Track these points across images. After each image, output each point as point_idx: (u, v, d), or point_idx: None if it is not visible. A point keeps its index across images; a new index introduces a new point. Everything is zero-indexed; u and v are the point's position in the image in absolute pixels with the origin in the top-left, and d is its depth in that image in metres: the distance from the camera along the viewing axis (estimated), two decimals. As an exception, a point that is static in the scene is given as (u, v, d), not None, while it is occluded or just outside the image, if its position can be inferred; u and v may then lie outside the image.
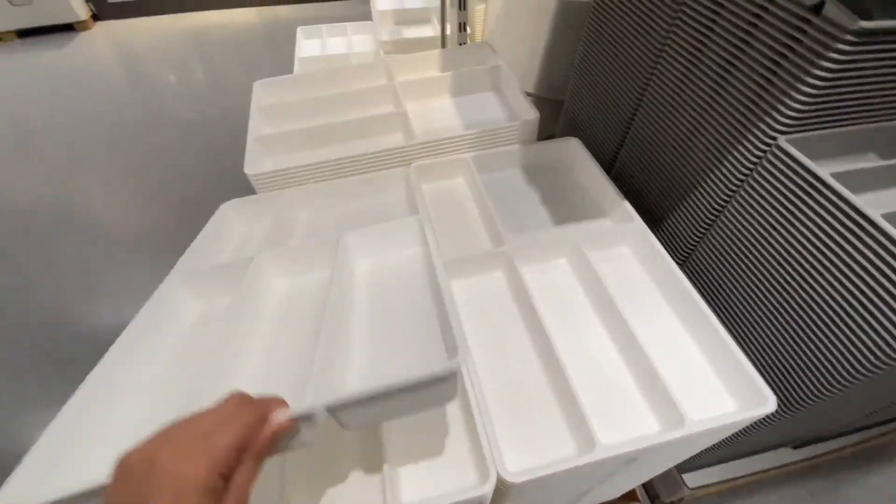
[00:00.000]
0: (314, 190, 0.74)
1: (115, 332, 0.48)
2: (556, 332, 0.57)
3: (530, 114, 0.80)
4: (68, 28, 2.77)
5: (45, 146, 1.97)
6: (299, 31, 1.76)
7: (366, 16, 1.93)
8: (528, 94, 1.27)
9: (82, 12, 2.71)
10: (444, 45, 1.08)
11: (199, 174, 1.82)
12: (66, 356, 1.22)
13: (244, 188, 0.74)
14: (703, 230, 0.72)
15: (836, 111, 0.57)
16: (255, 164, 0.74)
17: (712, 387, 0.55)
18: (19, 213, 1.66)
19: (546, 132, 1.41)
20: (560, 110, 1.11)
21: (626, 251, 0.69)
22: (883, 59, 0.51)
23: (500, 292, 0.63)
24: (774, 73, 0.55)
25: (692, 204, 0.73)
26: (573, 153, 0.81)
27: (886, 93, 0.56)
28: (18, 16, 2.61)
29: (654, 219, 0.83)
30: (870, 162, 0.62)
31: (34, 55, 2.60)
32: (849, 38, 0.47)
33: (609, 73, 0.86)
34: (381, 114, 0.82)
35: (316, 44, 1.77)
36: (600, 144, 0.96)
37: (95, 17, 2.83)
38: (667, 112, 0.74)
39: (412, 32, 1.52)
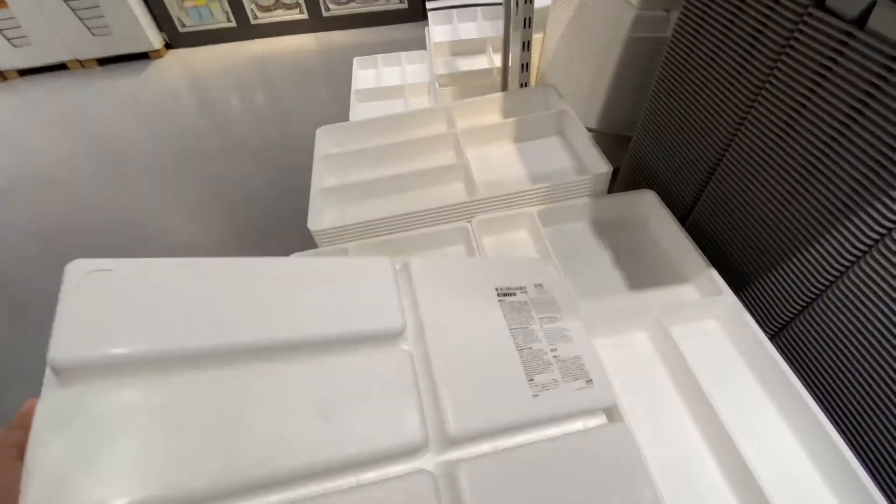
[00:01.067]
0: (375, 247, 0.72)
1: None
2: (636, 419, 0.52)
3: (602, 167, 0.75)
4: (143, 56, 2.97)
5: (125, 167, 2.11)
6: (355, 62, 1.80)
7: (420, 41, 1.94)
8: (590, 130, 1.22)
9: (156, 41, 2.90)
10: (504, 87, 1.06)
11: (266, 198, 1.87)
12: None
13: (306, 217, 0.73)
14: (802, 305, 0.64)
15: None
16: (317, 218, 0.74)
17: (816, 491, 0.48)
18: (100, 230, 1.76)
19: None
20: (626, 145, 1.05)
21: (715, 325, 0.62)
22: None
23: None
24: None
25: (789, 274, 0.65)
26: (649, 208, 0.75)
27: None
28: (99, 45, 2.84)
29: (738, 280, 0.75)
30: None
31: (113, 82, 2.81)
32: None
33: (687, 117, 0.80)
34: (443, 165, 0.80)
35: (371, 74, 1.79)
36: (674, 191, 0.89)
37: (168, 46, 3.03)
38: (758, 172, 0.67)
39: (467, 64, 1.51)
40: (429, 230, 0.73)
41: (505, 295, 0.51)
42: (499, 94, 0.95)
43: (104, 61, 2.92)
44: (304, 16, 2.96)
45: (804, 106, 0.58)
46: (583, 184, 0.74)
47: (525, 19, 0.90)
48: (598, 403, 0.46)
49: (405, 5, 2.98)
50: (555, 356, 0.47)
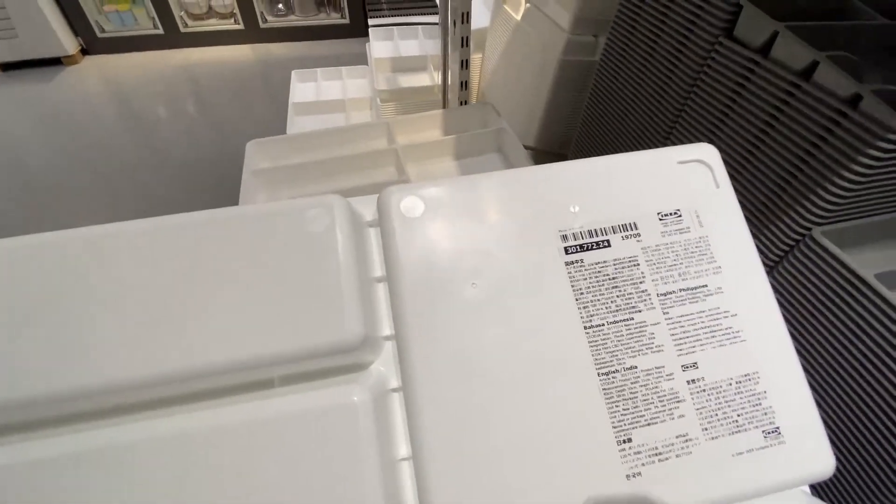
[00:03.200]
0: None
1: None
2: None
3: (540, 183, 0.76)
4: (56, 62, 2.72)
5: (35, 183, 1.90)
6: (294, 74, 1.75)
7: (361, 56, 1.93)
8: (529, 148, 1.25)
9: (71, 46, 2.67)
10: (445, 104, 1.06)
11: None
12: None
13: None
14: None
15: (873, 201, 0.54)
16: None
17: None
18: None
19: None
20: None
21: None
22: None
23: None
24: (806, 161, 0.52)
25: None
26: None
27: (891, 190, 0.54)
28: (2, 49, 2.57)
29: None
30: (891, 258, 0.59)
31: (20, 89, 2.55)
32: (891, 136, 0.45)
33: (617, 137, 0.84)
34: (383, 181, 0.78)
35: (310, 87, 1.75)
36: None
37: (85, 52, 2.80)
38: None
39: (408, 81, 1.51)
40: None
41: (582, 248, 0.27)
42: (439, 111, 0.95)
43: (9, 67, 2.64)
44: (240, 26, 2.85)
45: (720, 125, 0.62)
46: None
47: (462, 38, 0.91)
48: (794, 476, 0.23)
49: (346, 20, 2.95)
50: (693, 381, 0.23)
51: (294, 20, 2.93)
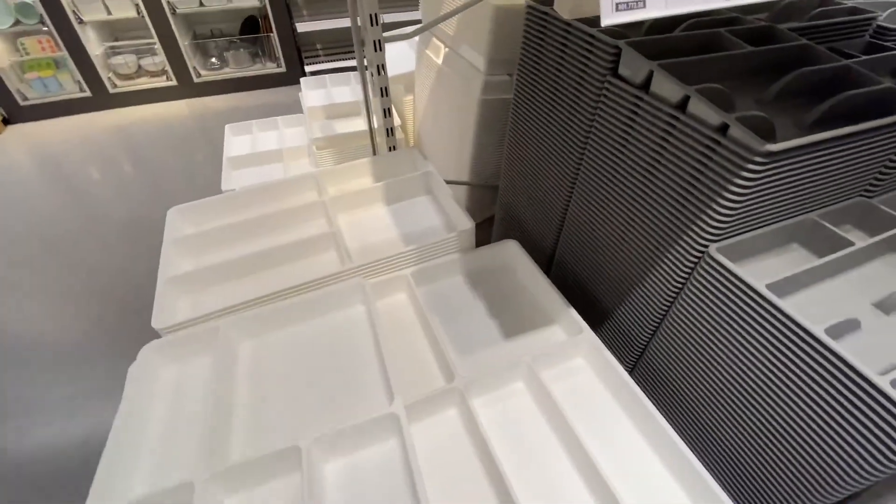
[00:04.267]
0: (253, 320, 0.67)
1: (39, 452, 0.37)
2: (516, 471, 0.52)
3: (466, 223, 0.78)
4: (-26, 134, 2.59)
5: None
6: (227, 129, 1.73)
7: (299, 103, 1.94)
8: (465, 182, 1.29)
9: (-9, 117, 2.55)
10: (374, 151, 1.08)
11: (136, 277, 1.70)
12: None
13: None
14: (651, 329, 0.71)
15: (760, 215, 0.58)
16: (166, 313, 0.66)
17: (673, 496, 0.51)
18: None
19: (484, 215, 1.42)
20: (496, 194, 1.12)
21: (581, 363, 0.66)
22: (792, 169, 0.54)
23: (456, 433, 0.58)
24: (693, 185, 0.56)
25: (637, 301, 0.72)
26: (513, 256, 0.79)
27: (800, 194, 0.59)
28: (-86, 126, 2.42)
29: (602, 311, 0.81)
30: (796, 256, 0.63)
31: (-66, 166, 2.40)
32: (758, 159, 0.49)
33: (535, 166, 0.87)
34: (313, 235, 0.78)
35: (246, 140, 1.73)
36: (538, 233, 0.96)
37: (6, 122, 2.67)
38: (598, 209, 0.75)
39: (343, 127, 1.53)
40: (320, 293, 0.70)
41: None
42: (367, 159, 0.96)
43: (-82, 143, 2.49)
44: (173, 83, 2.82)
45: (620, 152, 0.67)
46: (450, 242, 0.76)
47: (381, 88, 0.93)
48: None
49: (283, 69, 2.98)
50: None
51: (229, 72, 2.93)
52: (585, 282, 0.85)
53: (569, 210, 0.83)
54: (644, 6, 0.27)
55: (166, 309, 0.66)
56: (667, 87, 0.57)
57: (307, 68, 3.02)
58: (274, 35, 2.83)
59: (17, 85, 2.60)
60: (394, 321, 0.71)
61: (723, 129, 0.52)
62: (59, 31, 2.47)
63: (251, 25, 2.95)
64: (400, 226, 0.85)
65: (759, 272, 0.60)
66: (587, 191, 0.76)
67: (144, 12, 2.56)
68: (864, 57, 0.79)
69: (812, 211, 0.63)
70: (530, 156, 0.89)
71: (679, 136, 0.57)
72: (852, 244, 0.58)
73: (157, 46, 2.69)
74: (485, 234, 1.37)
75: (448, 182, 1.29)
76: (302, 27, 2.82)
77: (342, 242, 0.77)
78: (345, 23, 2.82)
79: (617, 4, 0.26)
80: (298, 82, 3.04)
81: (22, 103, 2.64)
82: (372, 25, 0.83)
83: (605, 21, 0.27)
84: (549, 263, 0.96)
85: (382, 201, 0.90)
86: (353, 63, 2.05)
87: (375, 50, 0.88)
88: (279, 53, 2.92)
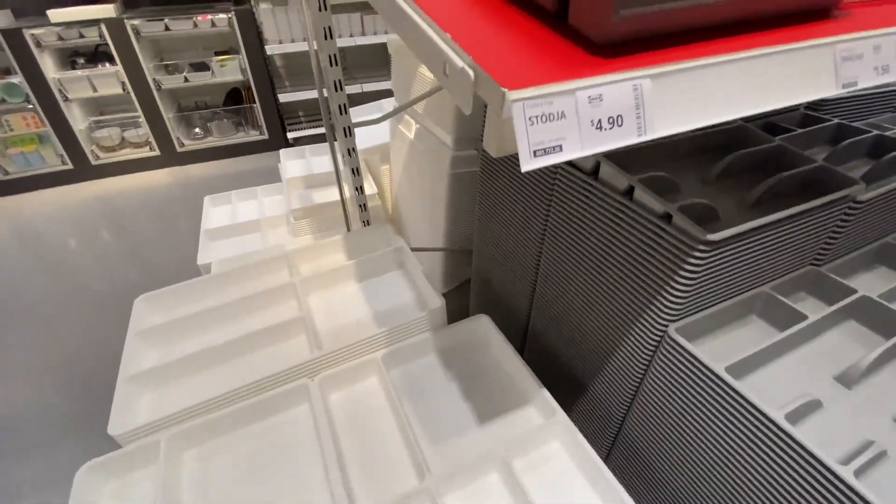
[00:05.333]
0: (201, 429, 0.64)
1: None
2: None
3: (436, 301, 0.79)
4: (-49, 210, 2.57)
5: None
6: (206, 200, 1.75)
7: (280, 170, 1.98)
8: (440, 249, 1.31)
9: (-31, 193, 2.55)
10: (348, 227, 1.10)
11: (112, 352, 1.66)
12: None
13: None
14: (626, 403, 0.71)
15: (717, 292, 0.60)
16: (125, 416, 0.64)
17: None
18: None
19: (463, 276, 1.43)
20: (471, 257, 1.13)
21: (556, 447, 0.65)
22: (738, 251, 0.56)
23: (428, 535, 0.55)
24: (646, 268, 0.58)
25: (609, 376, 0.72)
26: (485, 332, 0.80)
27: (751, 270, 0.61)
28: None
29: (578, 384, 0.81)
30: (756, 328, 0.65)
31: None
32: (701, 247, 0.51)
33: (505, 237, 0.89)
34: (283, 321, 0.77)
35: (226, 210, 1.75)
36: (512, 302, 0.97)
37: (-15, 196, 2.67)
38: (563, 284, 0.76)
39: (322, 196, 1.56)
40: (268, 396, 0.68)
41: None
42: (339, 237, 0.98)
43: None
44: (156, 153, 2.87)
45: (577, 233, 0.69)
46: (420, 322, 0.76)
47: (353, 169, 0.97)
48: None
49: (265, 136, 3.07)
50: None
51: (212, 141, 3.00)
52: (560, 353, 0.85)
53: (537, 282, 0.85)
54: (561, 150, 0.29)
55: (125, 412, 0.64)
56: (613, 176, 0.61)
57: (289, 135, 3.11)
58: (257, 105, 2.94)
59: (-2, 161, 2.62)
60: (364, 410, 0.70)
61: (667, 217, 0.55)
62: (45, 108, 2.53)
63: (235, 96, 3.06)
64: (372, 304, 0.85)
65: (721, 349, 0.61)
66: (552, 266, 0.78)
67: (130, 89, 2.65)
68: (800, 130, 0.86)
69: (766, 283, 0.66)
70: (499, 228, 0.91)
71: (628, 222, 0.59)
72: (805, 317, 0.60)
73: (142, 119, 2.76)
74: (464, 295, 1.38)
75: (423, 249, 1.32)
76: (284, 97, 2.93)
77: (312, 326, 0.77)
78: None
79: (534, 151, 0.29)
80: (280, 148, 3.15)
81: (2, 178, 2.65)
82: (336, 91, 0.87)
83: (525, 167, 0.29)
84: (526, 331, 0.97)
85: (355, 279, 0.91)
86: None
87: (346, 136, 0.92)
88: (262, 122, 3.01)
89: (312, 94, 2.97)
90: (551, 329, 0.85)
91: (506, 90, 0.28)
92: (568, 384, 0.84)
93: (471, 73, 0.31)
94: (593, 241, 0.66)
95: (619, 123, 0.31)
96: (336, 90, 0.87)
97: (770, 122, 0.88)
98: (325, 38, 0.82)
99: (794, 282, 0.68)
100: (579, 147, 0.30)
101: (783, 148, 0.69)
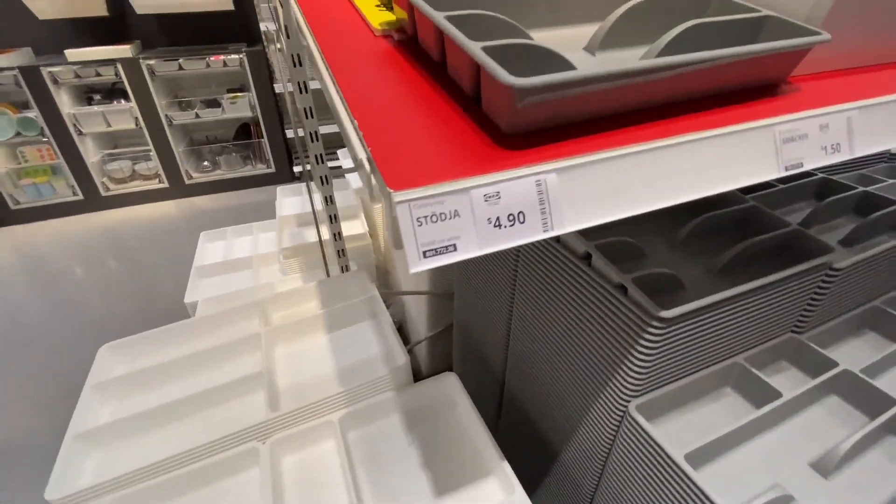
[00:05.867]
0: (145, 495, 0.62)
1: None
2: None
3: (401, 358, 0.76)
4: (-37, 239, 2.64)
5: None
6: (202, 236, 1.76)
7: (284, 202, 2.00)
8: (424, 292, 1.28)
9: (-20, 221, 2.63)
10: (327, 273, 1.09)
11: None
12: None
13: None
14: (596, 476, 0.66)
15: (683, 365, 0.56)
16: (69, 478, 0.62)
17: None
18: None
19: (447, 321, 1.40)
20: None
21: (514, 527, 0.60)
22: (701, 324, 0.53)
23: None
24: (606, 338, 0.55)
25: (579, 446, 0.68)
26: (452, 392, 0.76)
27: (721, 341, 0.57)
28: None
29: (551, 449, 0.77)
30: (730, 402, 0.61)
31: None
32: (655, 324, 0.48)
33: (481, 288, 0.87)
34: (244, 375, 0.75)
35: (220, 246, 1.76)
36: (490, 355, 0.94)
37: (-5, 225, 2.74)
38: (532, 343, 0.73)
39: (313, 235, 1.56)
40: (216, 458, 0.65)
41: None
42: (314, 283, 0.96)
43: None
44: (164, 185, 2.94)
45: (543, 295, 0.66)
46: (381, 381, 0.74)
47: (330, 216, 0.96)
48: None
49: (272, 170, 3.13)
50: None
51: (220, 174, 3.07)
52: (533, 417, 0.81)
53: (510, 339, 0.82)
54: (455, 249, 0.28)
55: (68, 474, 0.62)
56: (572, 239, 0.59)
57: (295, 168, 3.17)
58: (265, 140, 3.01)
59: (10, 190, 2.70)
60: (316, 476, 0.66)
61: (623, 288, 0.52)
62: (59, 141, 2.62)
63: (245, 130, 3.14)
64: (339, 358, 0.83)
65: (690, 428, 0.57)
66: (522, 325, 0.75)
67: (143, 124, 2.74)
68: (781, 186, 0.83)
69: (740, 353, 0.62)
70: (475, 276, 0.89)
71: (588, 290, 0.56)
72: (780, 395, 0.56)
73: (153, 153, 2.84)
74: (448, 340, 1.35)
75: (404, 293, 1.30)
76: (292, 133, 3.00)
77: (272, 382, 0.75)
78: (334, 128, 3.01)
79: (424, 252, 0.27)
80: (288, 180, 3.20)
81: (13, 207, 2.72)
82: (312, 142, 0.87)
83: (414, 268, 0.27)
84: (503, 387, 0.93)
85: (325, 329, 0.89)
86: (339, 163, 2.14)
87: (322, 184, 0.92)
88: (269, 156, 3.08)
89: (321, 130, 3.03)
90: (526, 389, 0.82)
91: (391, 191, 0.26)
92: (541, 449, 0.80)
93: (367, 166, 0.29)
94: (557, 306, 0.64)
95: (522, 220, 0.29)
96: (312, 141, 0.88)
97: (752, 176, 0.86)
98: (301, 92, 0.83)
99: (772, 351, 0.64)
100: (477, 246, 0.28)
101: (757, 209, 0.66)
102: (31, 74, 2.44)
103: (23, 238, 2.68)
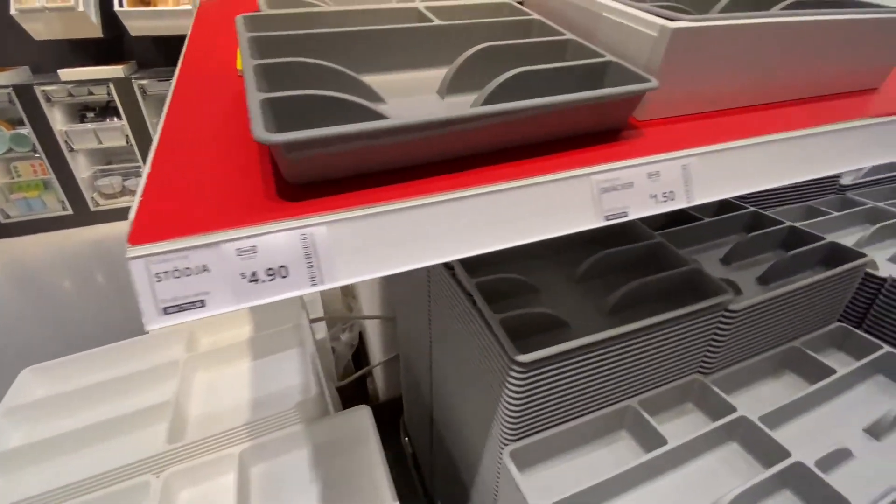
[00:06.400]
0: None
1: None
2: None
3: (312, 389, 0.75)
4: (-48, 251, 2.69)
5: None
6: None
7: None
8: (379, 316, 1.27)
9: (-31, 235, 2.67)
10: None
11: None
12: None
13: None
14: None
15: (567, 409, 0.55)
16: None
17: None
18: None
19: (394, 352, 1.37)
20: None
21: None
22: (577, 368, 0.51)
23: None
24: (487, 379, 0.54)
25: (479, 484, 0.66)
26: (362, 428, 0.74)
27: (606, 386, 0.56)
28: None
29: (462, 487, 0.74)
30: (624, 446, 0.59)
31: None
32: (516, 367, 0.47)
33: (412, 311, 0.86)
34: (150, 405, 0.74)
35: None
36: (422, 380, 0.92)
37: (-14, 238, 2.79)
38: (447, 376, 0.72)
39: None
40: (108, 491, 0.64)
41: None
42: (245, 310, 0.96)
43: None
44: (153, 201, 2.98)
45: (455, 327, 0.65)
46: (289, 414, 0.72)
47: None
48: None
49: (260, 186, 3.16)
50: None
51: (208, 190, 3.10)
52: (451, 451, 0.79)
53: (432, 370, 0.80)
54: (204, 305, 0.27)
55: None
56: (462, 274, 0.58)
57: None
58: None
59: (2, 204, 2.75)
60: (209, 512, 0.65)
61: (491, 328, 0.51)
62: (50, 158, 2.67)
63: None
64: (257, 387, 0.82)
65: (573, 475, 0.55)
66: (440, 352, 0.74)
67: (133, 141, 2.79)
68: (707, 220, 0.82)
69: (636, 395, 0.60)
70: (404, 302, 0.88)
71: (472, 327, 0.55)
72: (665, 442, 0.54)
73: (142, 169, 2.88)
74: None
75: (342, 318, 1.29)
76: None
77: (180, 413, 0.74)
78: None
79: (165, 308, 0.26)
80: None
81: (3, 221, 2.77)
82: None
83: (150, 326, 0.26)
84: (432, 416, 0.91)
85: (249, 356, 0.88)
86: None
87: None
88: (257, 173, 3.11)
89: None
90: (445, 419, 0.80)
91: (128, 245, 0.26)
92: (459, 485, 0.77)
93: (132, 213, 0.29)
94: (456, 339, 0.63)
95: (284, 274, 0.28)
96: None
97: (681, 209, 0.85)
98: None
99: (675, 393, 0.62)
100: (233, 301, 0.28)
101: (662, 246, 0.65)
102: (25, 93, 2.51)
103: (9, 251, 2.72)
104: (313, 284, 0.29)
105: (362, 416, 0.75)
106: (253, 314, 0.96)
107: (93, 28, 2.69)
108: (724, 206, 0.88)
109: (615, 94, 0.36)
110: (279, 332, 0.89)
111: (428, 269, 0.69)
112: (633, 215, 0.37)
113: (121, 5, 2.53)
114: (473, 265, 0.62)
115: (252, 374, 0.85)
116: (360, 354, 1.57)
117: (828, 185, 1.09)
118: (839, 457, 0.56)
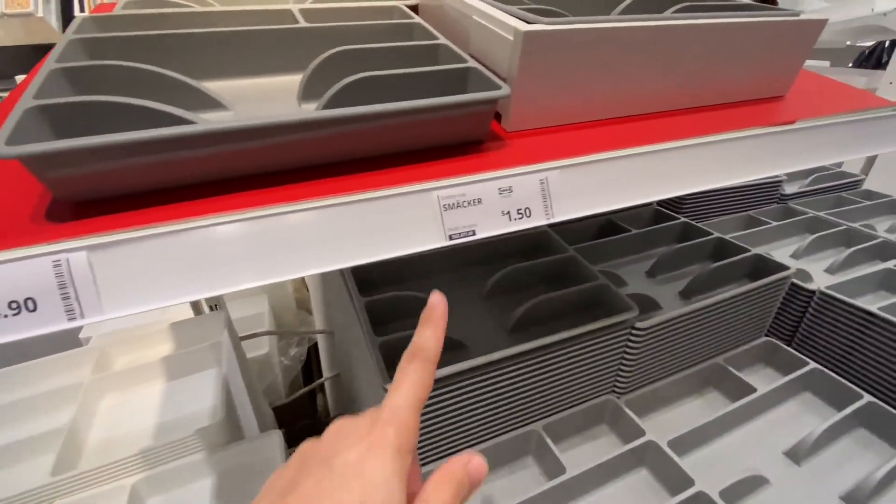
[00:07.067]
0: None
1: None
2: None
3: (218, 414, 0.70)
4: None
5: None
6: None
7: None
8: (322, 331, 1.23)
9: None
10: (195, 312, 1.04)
11: None
12: None
13: None
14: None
15: (467, 432, 0.51)
16: None
17: None
18: None
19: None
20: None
21: None
22: (474, 390, 0.48)
23: None
24: (374, 407, 0.50)
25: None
26: (271, 454, 0.70)
27: (490, 414, 0.53)
28: None
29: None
30: (530, 474, 0.55)
31: None
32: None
33: (347, 324, 0.82)
34: (40, 433, 0.69)
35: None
36: (355, 393, 0.88)
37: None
38: (371, 402, 0.68)
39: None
40: None
41: None
42: (168, 325, 0.91)
43: None
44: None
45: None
46: (191, 441, 0.68)
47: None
48: None
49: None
50: None
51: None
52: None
53: (356, 386, 0.77)
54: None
55: None
56: (353, 291, 0.54)
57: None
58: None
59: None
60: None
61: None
62: (3, 167, 2.58)
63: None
64: (164, 412, 0.77)
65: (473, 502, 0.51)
66: (358, 371, 0.70)
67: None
68: (637, 231, 0.80)
69: (541, 419, 0.57)
70: (334, 314, 0.84)
71: (363, 349, 0.52)
72: (564, 470, 0.51)
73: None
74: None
75: (308, 332, 1.24)
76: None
77: (72, 441, 0.68)
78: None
79: None
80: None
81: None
82: None
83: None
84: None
85: (162, 378, 0.83)
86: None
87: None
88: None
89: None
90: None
91: None
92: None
93: None
94: (359, 361, 0.59)
95: (31, 308, 0.24)
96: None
97: (611, 220, 0.83)
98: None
99: (589, 414, 0.59)
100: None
101: (574, 260, 0.63)
102: (-25, 99, 2.43)
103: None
104: (71, 319, 0.25)
105: (273, 442, 0.71)
106: (174, 332, 0.91)
107: (53, 33, 2.62)
108: (656, 216, 0.86)
109: (453, 103, 0.33)
110: (196, 351, 0.85)
111: (347, 285, 0.65)
112: (482, 234, 0.34)
113: (81, 10, 2.47)
114: (375, 282, 0.59)
115: (163, 396, 0.80)
116: (311, 370, 1.53)
117: (770, 193, 1.08)
118: (751, 484, 0.53)
